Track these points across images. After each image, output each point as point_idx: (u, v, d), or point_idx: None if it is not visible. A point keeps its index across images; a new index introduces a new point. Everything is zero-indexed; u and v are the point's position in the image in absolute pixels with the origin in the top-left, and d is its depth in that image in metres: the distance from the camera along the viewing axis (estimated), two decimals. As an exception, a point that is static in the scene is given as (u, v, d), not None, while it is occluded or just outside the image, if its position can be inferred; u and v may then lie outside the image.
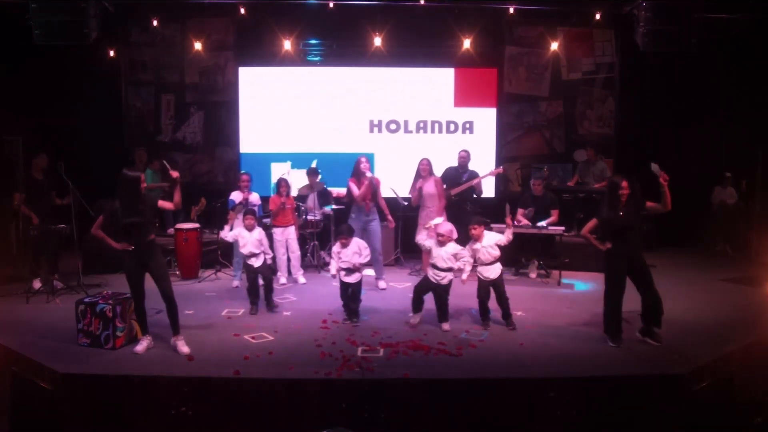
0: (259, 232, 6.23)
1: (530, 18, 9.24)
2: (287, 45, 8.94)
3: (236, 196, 7.22)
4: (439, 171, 7.61)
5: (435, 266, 5.59)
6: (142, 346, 4.94)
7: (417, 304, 5.73)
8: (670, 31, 7.71)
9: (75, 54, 8.21)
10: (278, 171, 8.67)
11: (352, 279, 5.80)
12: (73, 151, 7.98)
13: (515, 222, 7.35)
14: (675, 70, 8.94)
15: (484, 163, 8.71)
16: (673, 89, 9.17)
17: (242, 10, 8.76)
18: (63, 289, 6.69)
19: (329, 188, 8.42)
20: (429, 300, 5.76)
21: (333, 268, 5.93)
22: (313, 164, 8.68)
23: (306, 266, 7.84)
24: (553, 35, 9.30)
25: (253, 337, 5.32)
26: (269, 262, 6.33)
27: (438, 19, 8.87)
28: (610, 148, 9.56)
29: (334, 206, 8.18)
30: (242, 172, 7.68)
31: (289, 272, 7.51)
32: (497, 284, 5.66)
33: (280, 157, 9.32)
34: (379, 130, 9.47)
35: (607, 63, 9.60)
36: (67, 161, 6.83)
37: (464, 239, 5.85)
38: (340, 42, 9.39)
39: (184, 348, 4.91)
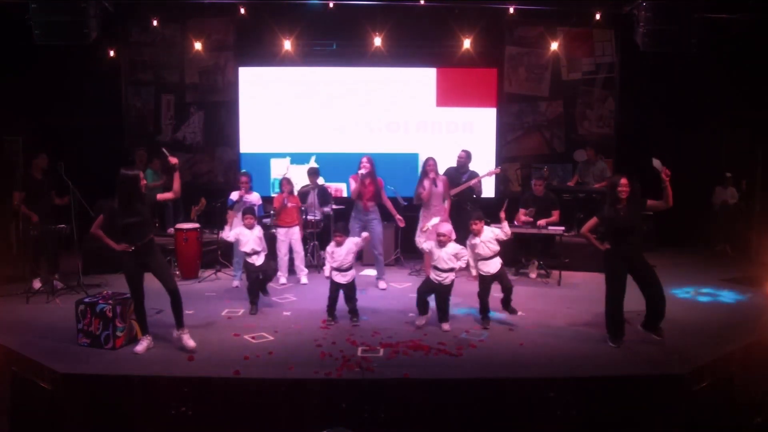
0: (259, 230, 6.23)
1: (530, 18, 9.24)
2: (287, 45, 8.94)
3: (236, 196, 7.22)
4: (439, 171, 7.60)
5: (437, 267, 5.59)
6: (142, 346, 4.94)
7: (422, 305, 5.73)
8: (670, 31, 7.71)
9: (75, 54, 8.21)
10: (277, 167, 8.69)
11: (344, 279, 5.79)
12: (73, 151, 7.99)
13: (515, 222, 7.37)
14: (675, 70, 8.94)
15: (484, 163, 8.72)
16: (673, 89, 9.17)
17: (242, 10, 8.77)
18: (63, 289, 6.69)
19: (327, 182, 8.42)
20: (429, 300, 5.77)
21: (327, 269, 5.92)
22: (312, 161, 8.69)
23: (306, 266, 7.83)
24: (553, 35, 9.30)
25: (253, 337, 5.32)
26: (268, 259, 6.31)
27: (438, 19, 8.88)
28: (610, 148, 9.56)
29: (334, 206, 8.18)
30: (242, 172, 7.68)
31: (291, 272, 7.51)
32: (500, 277, 5.67)
33: (280, 157, 9.34)
34: (379, 130, 9.47)
35: (607, 63, 9.60)
36: (67, 161, 6.83)
37: (464, 239, 5.86)
38: (340, 42, 9.39)
39: (189, 342, 4.91)
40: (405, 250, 8.58)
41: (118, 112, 9.65)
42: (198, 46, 9.20)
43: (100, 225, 4.94)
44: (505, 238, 5.70)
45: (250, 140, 9.55)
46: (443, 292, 5.60)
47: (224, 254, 7.96)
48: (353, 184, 6.99)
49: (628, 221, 5.04)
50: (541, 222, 7.34)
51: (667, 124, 9.33)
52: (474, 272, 5.69)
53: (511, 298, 5.76)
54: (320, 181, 8.23)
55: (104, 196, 6.47)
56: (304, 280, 7.38)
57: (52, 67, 8.36)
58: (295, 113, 9.47)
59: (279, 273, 7.37)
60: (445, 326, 5.58)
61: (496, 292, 5.82)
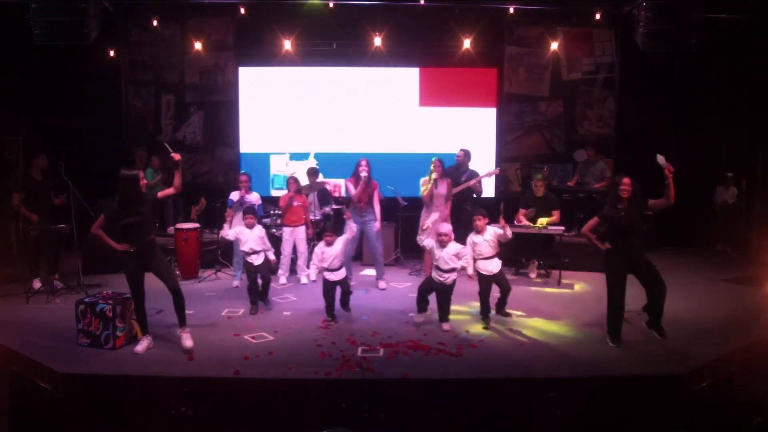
0: (260, 230, 6.24)
1: (530, 18, 9.24)
2: (287, 45, 8.94)
3: (235, 196, 7.22)
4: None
5: (439, 268, 5.59)
6: (142, 346, 4.94)
7: (421, 303, 5.74)
8: (670, 31, 7.71)
9: (75, 54, 8.21)
10: (276, 163, 8.69)
11: (337, 277, 5.80)
12: (73, 151, 7.98)
13: (515, 222, 7.37)
14: (675, 70, 8.94)
15: (484, 163, 8.72)
16: (673, 89, 9.17)
17: (242, 10, 8.77)
18: (63, 289, 6.69)
19: (325, 178, 8.43)
20: (430, 299, 5.77)
21: (313, 273, 5.91)
22: (311, 157, 8.70)
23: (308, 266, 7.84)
24: (553, 35, 9.30)
25: (253, 337, 5.32)
26: (272, 258, 6.30)
27: (438, 19, 8.87)
28: (610, 148, 9.56)
29: (334, 206, 8.19)
30: (241, 172, 7.68)
31: (293, 272, 7.51)
32: (499, 279, 5.67)
33: (280, 155, 9.36)
34: (379, 130, 9.47)
35: (607, 63, 9.60)
36: (67, 161, 6.83)
37: (464, 239, 5.85)
38: (340, 42, 9.40)
39: (188, 342, 4.91)
40: (405, 250, 8.58)
41: (118, 112, 9.64)
42: (198, 46, 9.20)
43: (101, 225, 4.94)
44: (505, 240, 5.70)
45: (250, 140, 9.55)
46: (445, 292, 5.60)
47: (224, 254, 7.96)
48: (351, 188, 6.99)
49: (628, 221, 5.04)
50: (542, 220, 7.34)
51: (667, 124, 9.33)
52: (470, 271, 5.68)
53: (507, 301, 5.76)
54: (320, 177, 8.23)
55: (104, 196, 6.48)
56: (304, 280, 7.38)
57: (52, 67, 8.37)
58: (295, 113, 9.48)
59: (280, 272, 7.38)
60: (445, 326, 5.58)
61: (495, 292, 5.83)
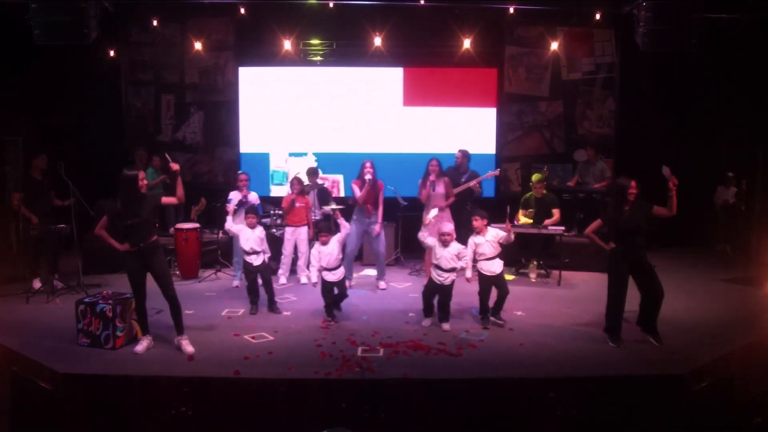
0: (260, 231, 6.24)
1: (530, 18, 9.24)
2: (287, 45, 8.94)
3: (235, 196, 7.22)
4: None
5: (438, 267, 5.59)
6: (142, 346, 4.94)
7: (428, 308, 5.73)
8: (670, 31, 7.70)
9: (75, 54, 8.20)
10: (276, 159, 8.69)
11: (335, 277, 5.80)
12: (73, 151, 7.97)
13: (515, 222, 7.37)
14: (675, 70, 8.93)
15: (485, 164, 8.71)
16: (673, 89, 9.16)
17: (242, 10, 8.76)
18: (63, 289, 6.68)
19: (324, 174, 8.43)
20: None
21: (314, 275, 5.91)
22: (311, 156, 8.71)
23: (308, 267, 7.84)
24: (553, 35, 9.30)
25: (253, 337, 5.32)
26: (267, 261, 6.32)
27: (438, 19, 8.87)
28: (610, 148, 9.56)
29: (334, 206, 8.17)
30: (240, 171, 7.68)
31: (293, 272, 7.51)
32: (499, 281, 5.67)
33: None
34: (379, 130, 9.47)
35: (607, 63, 9.60)
36: (67, 161, 6.82)
37: (463, 240, 5.85)
38: (340, 42, 9.40)
39: (188, 347, 4.91)
40: (405, 250, 8.58)
41: (118, 112, 9.65)
42: (198, 46, 9.19)
43: (104, 226, 4.96)
44: (506, 243, 5.69)
45: (250, 140, 9.55)
46: (444, 291, 5.61)
47: (224, 254, 7.96)
48: (356, 190, 6.97)
49: (633, 223, 5.05)
50: (547, 222, 7.35)
51: (667, 124, 9.33)
52: (469, 273, 5.66)
53: (504, 306, 5.75)
54: (320, 176, 8.25)
55: (104, 196, 6.49)
56: (304, 280, 7.37)
57: (52, 67, 8.36)
58: (295, 113, 9.48)
59: (280, 272, 7.38)
60: (445, 326, 5.59)
61: (494, 294, 5.82)
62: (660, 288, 5.12)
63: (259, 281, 6.19)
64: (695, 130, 9.31)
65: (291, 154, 9.11)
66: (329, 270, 5.77)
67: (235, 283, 7.25)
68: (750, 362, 5.04)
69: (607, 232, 5.24)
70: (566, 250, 7.58)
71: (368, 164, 6.95)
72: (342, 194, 9.21)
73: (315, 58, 9.47)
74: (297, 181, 7.33)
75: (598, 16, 8.72)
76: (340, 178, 9.29)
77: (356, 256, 7.78)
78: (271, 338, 5.31)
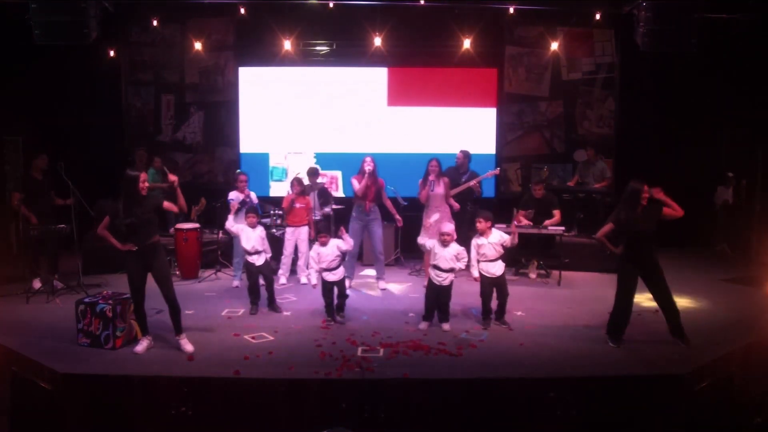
0: (261, 230, 6.24)
1: (530, 18, 9.24)
2: (287, 45, 8.94)
3: (234, 196, 7.21)
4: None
5: (437, 267, 5.59)
6: (142, 346, 4.94)
7: (430, 312, 5.71)
8: (670, 31, 7.70)
9: (75, 54, 8.20)
10: (275, 156, 8.70)
11: (335, 277, 5.79)
12: (73, 151, 7.98)
13: (515, 222, 7.36)
14: (675, 70, 8.93)
15: (485, 164, 8.71)
16: (673, 89, 9.16)
17: (242, 10, 8.76)
18: (63, 289, 6.68)
19: (323, 170, 8.43)
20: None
21: (314, 277, 5.91)
22: (310, 155, 8.73)
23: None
24: (553, 35, 9.29)
25: (253, 337, 5.32)
26: (269, 261, 6.32)
27: (438, 19, 8.87)
28: (610, 148, 9.54)
29: (334, 206, 8.19)
30: (239, 171, 7.68)
31: (293, 272, 7.50)
32: (500, 283, 5.67)
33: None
34: (379, 130, 9.47)
35: (607, 63, 9.59)
36: (67, 161, 6.82)
37: (463, 240, 5.84)
38: (340, 42, 9.39)
39: (188, 346, 4.92)
40: (405, 250, 8.58)
41: (118, 112, 9.64)
42: (198, 46, 9.19)
43: (106, 226, 4.96)
44: (509, 246, 5.69)
45: (250, 140, 9.55)
46: (443, 292, 5.60)
47: (224, 254, 7.96)
48: (355, 184, 6.97)
49: (643, 225, 5.05)
50: (548, 222, 7.35)
51: (667, 124, 9.32)
52: (476, 273, 5.67)
53: (506, 309, 5.75)
54: (318, 179, 8.24)
55: (104, 196, 6.49)
56: (304, 280, 7.37)
57: (52, 67, 8.36)
58: (295, 113, 9.48)
59: (280, 272, 7.38)
60: (445, 326, 5.59)
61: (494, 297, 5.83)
62: (669, 299, 5.14)
63: (261, 281, 6.19)
64: (695, 130, 9.31)
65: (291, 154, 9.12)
66: (329, 270, 5.78)
67: (235, 283, 7.25)
68: (750, 362, 5.04)
69: (617, 235, 5.23)
70: (566, 250, 7.58)
71: (368, 158, 6.96)
72: (340, 190, 9.22)
73: (314, 58, 9.46)
74: (297, 182, 7.31)
75: (598, 16, 8.71)
76: (338, 174, 9.29)
77: (356, 256, 7.78)
78: (271, 338, 5.31)
